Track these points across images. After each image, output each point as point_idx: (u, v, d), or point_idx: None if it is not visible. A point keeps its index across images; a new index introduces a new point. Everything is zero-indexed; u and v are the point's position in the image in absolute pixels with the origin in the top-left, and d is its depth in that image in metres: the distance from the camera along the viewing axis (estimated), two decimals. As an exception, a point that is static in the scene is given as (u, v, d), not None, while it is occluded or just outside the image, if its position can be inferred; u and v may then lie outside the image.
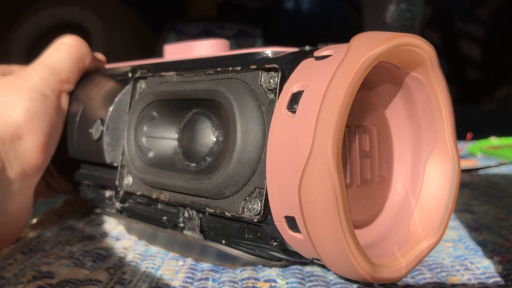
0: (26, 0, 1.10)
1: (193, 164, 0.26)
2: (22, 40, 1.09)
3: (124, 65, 0.32)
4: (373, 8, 0.62)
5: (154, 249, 0.29)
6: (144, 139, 0.27)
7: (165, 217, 0.27)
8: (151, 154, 0.27)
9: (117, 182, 0.28)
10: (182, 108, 0.27)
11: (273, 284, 0.24)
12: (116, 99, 0.29)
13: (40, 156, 0.27)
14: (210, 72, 0.25)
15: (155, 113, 0.27)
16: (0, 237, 0.27)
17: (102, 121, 0.29)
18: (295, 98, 0.20)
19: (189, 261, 0.27)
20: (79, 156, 0.31)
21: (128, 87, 0.29)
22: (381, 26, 0.60)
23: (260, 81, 0.22)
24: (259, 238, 0.23)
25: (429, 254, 0.28)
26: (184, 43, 0.30)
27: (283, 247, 0.22)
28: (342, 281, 0.24)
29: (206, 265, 0.27)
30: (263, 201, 0.21)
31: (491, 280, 0.25)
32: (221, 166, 0.23)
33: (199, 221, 0.25)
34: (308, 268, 0.26)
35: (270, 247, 0.23)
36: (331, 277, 0.25)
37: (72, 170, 0.33)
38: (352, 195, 0.23)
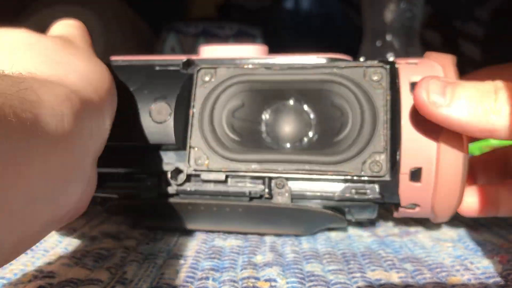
0: (26, 0, 1.10)
1: (297, 144, 0.30)
2: (21, 39, 1.08)
3: (140, 58, 0.32)
4: (373, 8, 0.62)
5: (155, 248, 0.29)
6: (230, 124, 0.30)
7: (248, 191, 0.29)
8: (237, 137, 0.30)
9: (187, 162, 0.29)
10: (273, 97, 0.31)
11: (273, 283, 0.24)
12: (181, 85, 0.30)
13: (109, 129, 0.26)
14: (307, 66, 0.30)
15: (242, 101, 0.30)
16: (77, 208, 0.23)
17: (168, 105, 0.30)
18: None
19: (190, 260, 0.27)
20: (129, 140, 0.30)
21: (189, 75, 0.31)
22: (381, 26, 0.60)
23: (365, 76, 0.29)
24: (362, 193, 0.29)
25: (429, 254, 0.29)
26: (223, 45, 0.32)
27: (381, 200, 0.28)
28: (342, 281, 0.24)
29: (206, 264, 0.27)
30: (386, 161, 0.28)
31: (491, 280, 0.25)
32: (343, 140, 0.29)
33: (289, 189, 0.29)
34: (308, 268, 0.26)
35: (371, 196, 0.28)
36: (331, 276, 0.25)
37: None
38: None
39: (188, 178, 0.30)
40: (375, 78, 0.29)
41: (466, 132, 0.24)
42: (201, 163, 0.29)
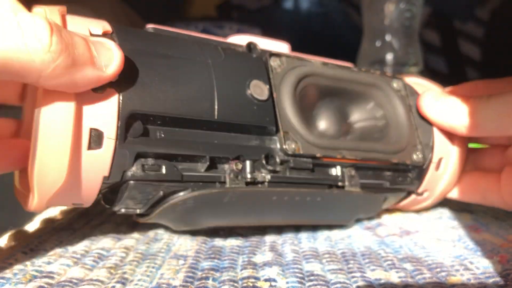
0: (26, 0, 1.10)
1: (359, 134, 0.33)
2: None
3: (184, 32, 0.28)
4: (373, 8, 0.62)
5: (155, 248, 0.29)
6: (311, 111, 0.31)
7: (328, 178, 0.30)
8: (321, 125, 0.32)
9: (284, 146, 0.27)
10: (332, 90, 0.33)
11: (273, 283, 0.24)
12: (264, 67, 0.29)
13: None
14: (355, 70, 0.33)
15: (317, 99, 0.32)
16: None
17: (265, 82, 0.27)
18: None
19: (190, 260, 0.27)
20: (227, 118, 0.26)
21: (259, 59, 0.29)
22: (381, 26, 0.60)
23: (390, 84, 0.34)
24: (404, 181, 0.34)
25: (429, 254, 0.29)
26: (252, 36, 0.31)
27: (414, 184, 0.34)
28: (342, 280, 0.24)
29: (206, 264, 0.27)
30: (424, 152, 0.33)
31: (490, 280, 0.25)
32: (389, 133, 0.33)
33: (358, 178, 0.31)
34: (308, 267, 0.26)
35: (409, 183, 0.34)
36: (331, 276, 0.25)
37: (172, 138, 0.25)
38: None
39: (285, 162, 0.28)
40: (395, 86, 0.34)
41: (444, 128, 0.33)
42: (293, 148, 0.28)
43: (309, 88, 0.31)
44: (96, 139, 0.22)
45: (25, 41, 0.19)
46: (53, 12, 0.23)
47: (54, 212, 0.36)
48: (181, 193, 0.25)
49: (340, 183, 0.30)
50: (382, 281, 0.25)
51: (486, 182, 0.35)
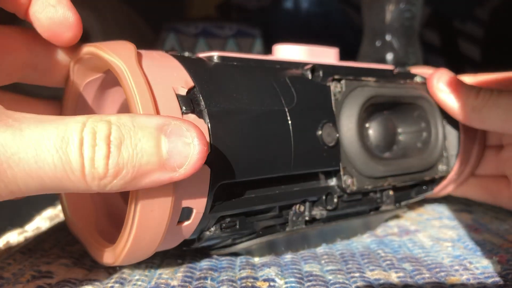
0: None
1: (401, 151, 0.34)
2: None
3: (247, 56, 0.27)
4: (373, 8, 0.62)
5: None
6: (367, 139, 0.32)
7: (371, 204, 0.31)
8: (373, 149, 0.31)
9: (343, 185, 0.28)
10: (383, 108, 0.33)
11: (272, 283, 0.24)
12: (330, 99, 0.28)
13: None
14: (401, 82, 0.33)
15: (367, 114, 0.31)
16: None
17: (333, 124, 0.27)
18: None
19: (188, 260, 0.27)
20: (301, 169, 0.26)
21: (320, 84, 0.28)
22: (381, 25, 0.60)
23: (427, 92, 0.34)
24: (427, 189, 0.35)
25: (428, 254, 0.29)
26: (300, 45, 0.30)
27: (433, 188, 0.35)
28: (341, 280, 0.24)
29: (205, 264, 0.27)
30: (449, 163, 0.34)
31: (490, 280, 0.25)
32: (428, 150, 0.33)
33: (393, 197, 0.32)
34: (307, 268, 0.26)
35: (430, 190, 0.35)
36: (330, 276, 0.25)
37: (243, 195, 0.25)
38: None
39: (342, 198, 0.29)
40: (429, 94, 0.34)
41: (450, 112, 0.33)
42: (349, 185, 0.28)
43: (366, 108, 0.31)
44: (186, 215, 0.23)
45: (70, 169, 0.17)
46: (129, 61, 0.21)
47: (54, 212, 0.36)
48: (249, 239, 0.26)
49: (380, 204, 0.32)
50: (381, 281, 0.25)
51: (496, 187, 0.36)
